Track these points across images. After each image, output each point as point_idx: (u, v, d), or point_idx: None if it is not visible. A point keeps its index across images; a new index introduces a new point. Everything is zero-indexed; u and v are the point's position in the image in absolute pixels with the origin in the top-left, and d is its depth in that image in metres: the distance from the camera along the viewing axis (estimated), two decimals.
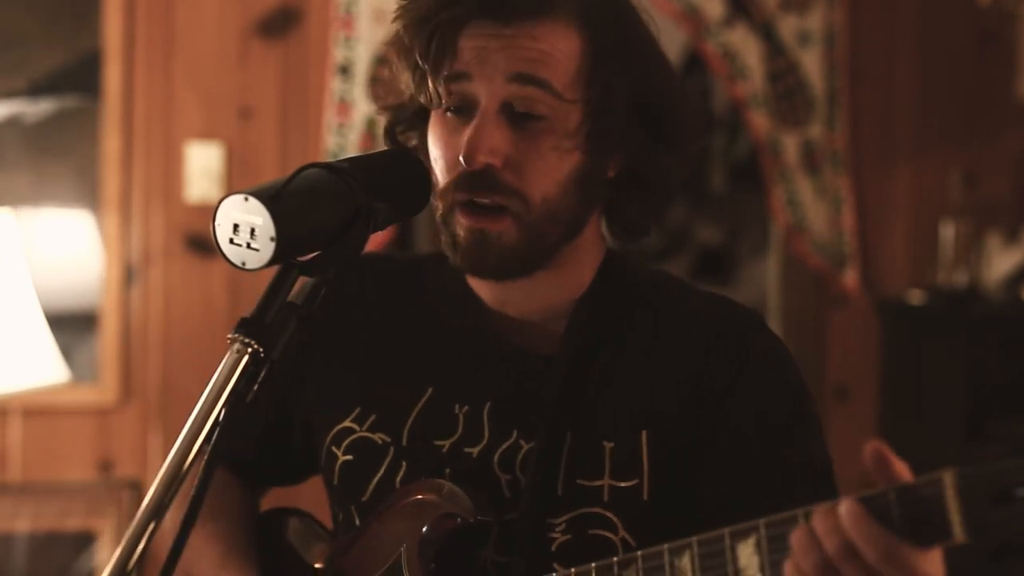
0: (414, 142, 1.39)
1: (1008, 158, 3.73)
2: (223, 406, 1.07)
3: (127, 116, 3.26)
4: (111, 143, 3.25)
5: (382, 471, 1.38)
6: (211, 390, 1.08)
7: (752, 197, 4.68)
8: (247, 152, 3.31)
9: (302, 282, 1.15)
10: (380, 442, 1.39)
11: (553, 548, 1.30)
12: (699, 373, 1.32)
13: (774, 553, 1.03)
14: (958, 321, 3.49)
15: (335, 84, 3.29)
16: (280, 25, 3.32)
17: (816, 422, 1.35)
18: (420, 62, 1.29)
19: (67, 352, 3.06)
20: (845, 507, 0.98)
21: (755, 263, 5.20)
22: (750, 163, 4.40)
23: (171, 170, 3.28)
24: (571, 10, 1.28)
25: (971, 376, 3.37)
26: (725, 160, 5.84)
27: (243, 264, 1.11)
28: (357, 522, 1.40)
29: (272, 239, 1.08)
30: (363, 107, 3.27)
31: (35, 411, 3.21)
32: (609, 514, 1.30)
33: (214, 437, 1.07)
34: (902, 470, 1.00)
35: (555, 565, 1.29)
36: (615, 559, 1.17)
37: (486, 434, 1.35)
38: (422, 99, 1.33)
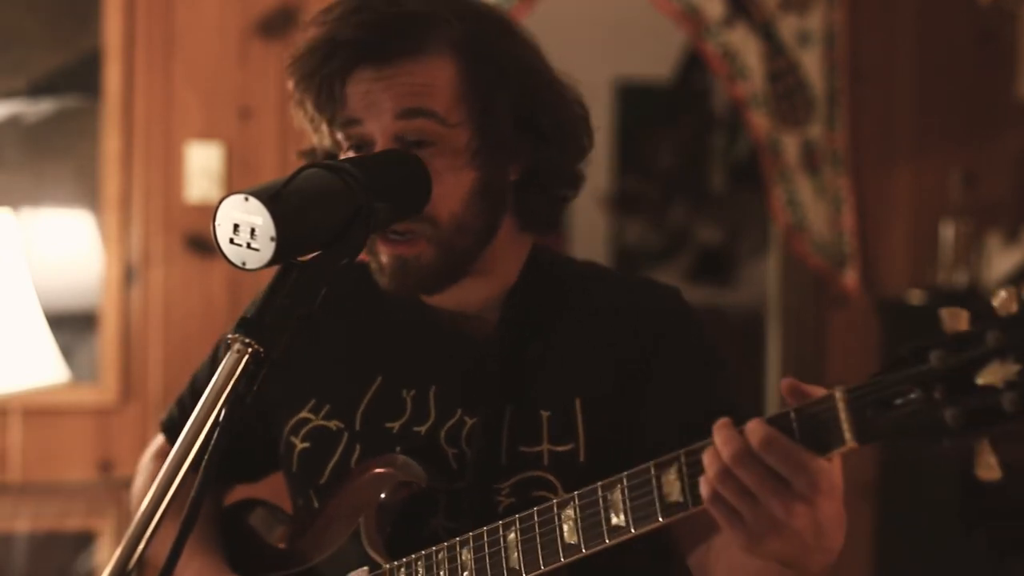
0: None
1: (1008, 158, 3.73)
2: (223, 406, 1.07)
3: (127, 116, 3.26)
4: (111, 143, 3.25)
5: (338, 454, 1.48)
6: (211, 390, 1.08)
7: (752, 197, 4.68)
8: (247, 152, 3.31)
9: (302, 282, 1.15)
10: (335, 428, 1.49)
11: (499, 511, 1.39)
12: (625, 343, 1.44)
13: (692, 476, 1.12)
14: None
15: None
16: (280, 25, 3.32)
17: (731, 374, 1.47)
18: (315, 114, 1.41)
19: (67, 352, 3.06)
20: (753, 425, 1.08)
21: (755, 263, 5.20)
22: (750, 163, 4.41)
23: (171, 170, 3.28)
24: (443, 42, 1.39)
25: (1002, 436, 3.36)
26: (725, 160, 5.84)
27: (243, 264, 1.11)
28: (316, 504, 1.50)
29: (272, 239, 1.08)
30: None
31: (35, 411, 3.21)
32: (549, 476, 1.40)
33: (214, 437, 1.07)
34: (816, 392, 1.09)
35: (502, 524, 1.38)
36: (555, 500, 1.26)
37: (433, 414, 1.45)
38: (326, 145, 1.44)
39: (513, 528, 1.29)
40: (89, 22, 3.25)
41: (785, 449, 1.06)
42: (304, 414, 1.52)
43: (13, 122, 3.24)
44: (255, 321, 1.09)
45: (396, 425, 1.47)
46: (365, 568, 1.41)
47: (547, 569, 1.26)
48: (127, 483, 3.26)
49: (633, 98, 5.69)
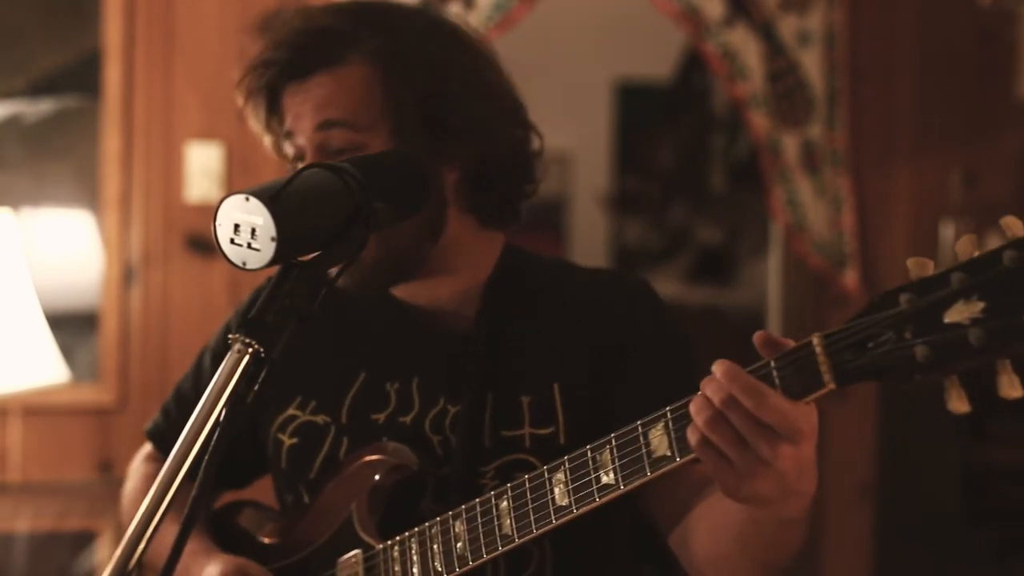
0: None
1: (1008, 158, 3.73)
2: (223, 406, 1.07)
3: (127, 116, 3.26)
4: (111, 143, 3.25)
5: (326, 448, 1.54)
6: (211, 390, 1.08)
7: (752, 197, 4.68)
8: (247, 152, 3.31)
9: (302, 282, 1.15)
10: (322, 423, 1.55)
11: (485, 492, 1.41)
12: (598, 332, 1.51)
13: (679, 431, 1.19)
14: None
15: None
16: (280, 25, 3.32)
17: (696, 360, 1.52)
18: (263, 129, 1.54)
19: (67, 352, 3.06)
20: (721, 366, 1.14)
21: (755, 263, 5.20)
22: (750, 163, 4.41)
23: (171, 170, 3.28)
24: (356, 51, 1.46)
25: (971, 376, 3.37)
26: (725, 160, 5.84)
27: (244, 264, 1.11)
28: (306, 499, 1.54)
29: (273, 239, 1.09)
30: None
31: (35, 411, 3.20)
32: (531, 458, 1.46)
33: (214, 437, 1.07)
34: (787, 342, 1.16)
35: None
36: (545, 467, 1.31)
37: (416, 404, 1.52)
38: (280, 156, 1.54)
39: (505, 496, 1.34)
40: (89, 22, 3.25)
41: (761, 395, 1.11)
42: (291, 411, 1.57)
43: (13, 122, 3.24)
44: (255, 321, 1.09)
45: (382, 416, 1.53)
46: (358, 551, 1.45)
47: (539, 532, 1.31)
48: None
49: (633, 98, 5.69)
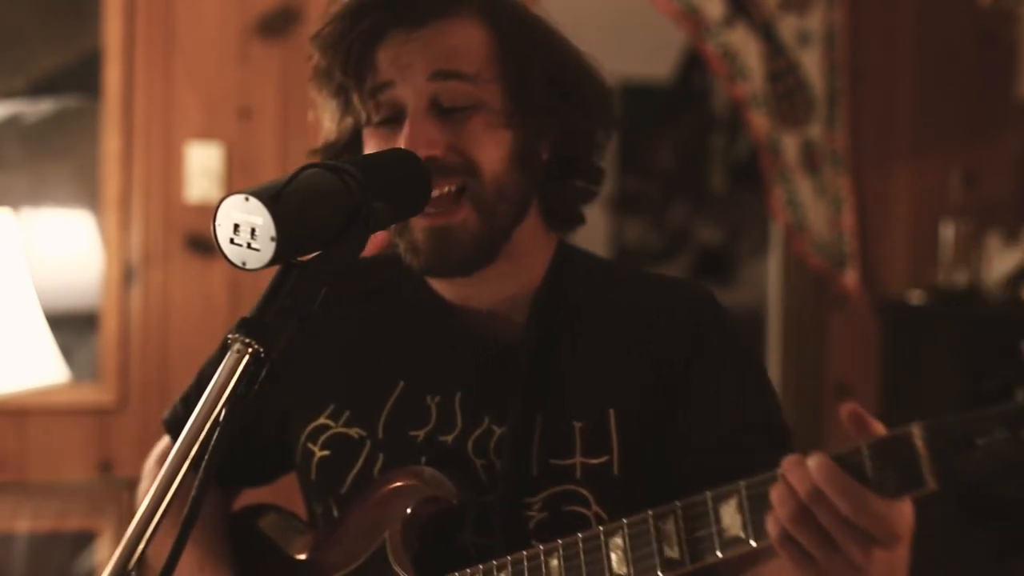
0: None
1: (1008, 158, 3.73)
2: (223, 406, 1.07)
3: (127, 116, 3.26)
4: (111, 143, 3.25)
5: (360, 464, 1.43)
6: (211, 390, 1.08)
7: (752, 197, 4.68)
8: (247, 152, 3.31)
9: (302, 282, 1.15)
10: (356, 436, 1.44)
11: (530, 526, 1.35)
12: (659, 349, 1.39)
13: (754, 512, 1.07)
14: (958, 321, 3.49)
15: None
16: (280, 25, 3.32)
17: (768, 383, 1.43)
18: (343, 79, 1.38)
19: (67, 352, 3.06)
20: (815, 460, 1.02)
21: (755, 263, 5.20)
22: (750, 163, 4.41)
23: (171, 170, 3.28)
24: (471, 6, 1.38)
25: (971, 376, 3.37)
26: (725, 160, 5.84)
27: (243, 264, 1.11)
28: (336, 514, 1.44)
29: (272, 239, 1.08)
30: None
31: (35, 411, 3.20)
32: (582, 490, 1.35)
33: (214, 437, 1.07)
34: (879, 429, 1.04)
35: (534, 543, 1.31)
36: (601, 528, 1.20)
37: (459, 422, 1.41)
38: (351, 120, 1.41)
39: (556, 555, 1.23)
40: (89, 22, 3.25)
41: (856, 496, 1.01)
42: (322, 420, 1.47)
43: (13, 122, 3.24)
44: (255, 321, 1.09)
45: (421, 433, 1.41)
46: None
47: None
48: (127, 483, 3.27)
49: (633, 98, 5.69)
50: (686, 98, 5.88)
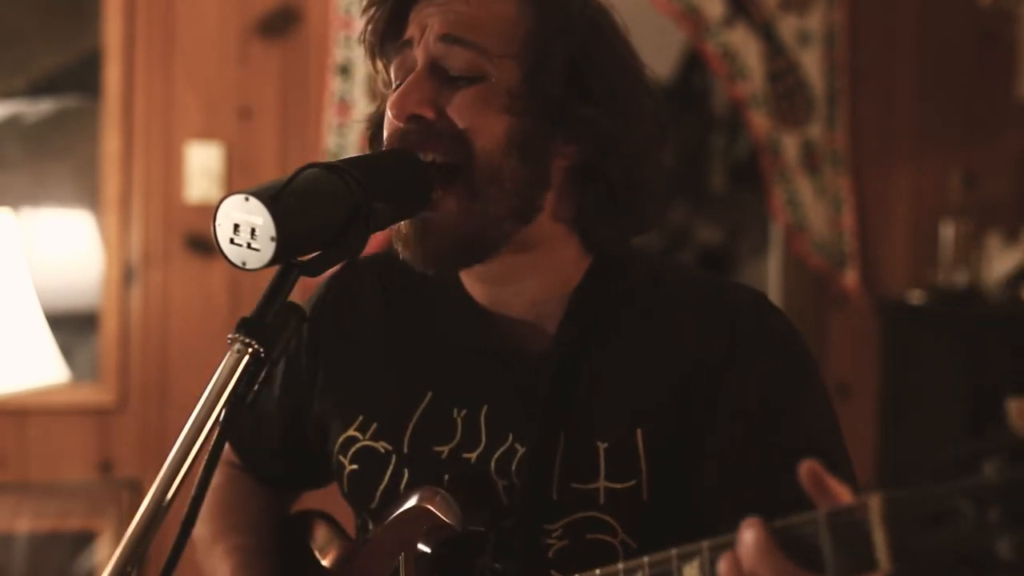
0: None
1: (1008, 158, 3.73)
2: (223, 406, 1.07)
3: (127, 116, 3.26)
4: (111, 143, 3.25)
5: (386, 479, 1.38)
6: (211, 390, 1.07)
7: (752, 197, 4.68)
8: (247, 152, 3.31)
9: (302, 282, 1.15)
10: (383, 451, 1.39)
11: (550, 554, 1.29)
12: (691, 364, 1.29)
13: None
14: (958, 321, 3.49)
15: (335, 84, 3.29)
16: (280, 25, 3.32)
17: (819, 397, 1.31)
18: (372, 39, 1.33)
19: (67, 352, 3.06)
20: (750, 536, 0.94)
21: (755, 263, 5.20)
22: (750, 163, 4.40)
23: (171, 170, 3.28)
24: None
25: (971, 376, 3.37)
26: (725, 160, 5.84)
27: (243, 264, 1.10)
28: (371, 527, 1.42)
29: (272, 239, 1.08)
30: (363, 107, 3.27)
31: (35, 411, 3.21)
32: (607, 517, 1.28)
33: (214, 437, 1.07)
34: (841, 493, 0.94)
35: (553, 573, 1.28)
36: None
37: (483, 439, 1.34)
38: (382, 84, 1.35)
39: None
40: (89, 22, 3.25)
41: None
42: (352, 432, 1.42)
43: (13, 122, 3.24)
44: (255, 321, 1.09)
45: (445, 450, 1.35)
46: None
47: None
48: (127, 483, 3.27)
49: None
50: (686, 98, 5.88)
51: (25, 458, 3.22)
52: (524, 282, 1.34)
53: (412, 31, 1.30)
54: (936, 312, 3.54)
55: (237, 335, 1.08)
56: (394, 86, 1.32)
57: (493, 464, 1.32)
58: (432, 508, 1.31)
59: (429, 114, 1.27)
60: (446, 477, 1.33)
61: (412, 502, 1.34)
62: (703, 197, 5.95)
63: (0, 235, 2.90)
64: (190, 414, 1.07)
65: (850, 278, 3.60)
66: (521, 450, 1.31)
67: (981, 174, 3.70)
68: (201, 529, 1.52)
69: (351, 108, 3.29)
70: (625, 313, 1.34)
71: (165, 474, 1.06)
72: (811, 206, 3.56)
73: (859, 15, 3.60)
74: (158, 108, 3.28)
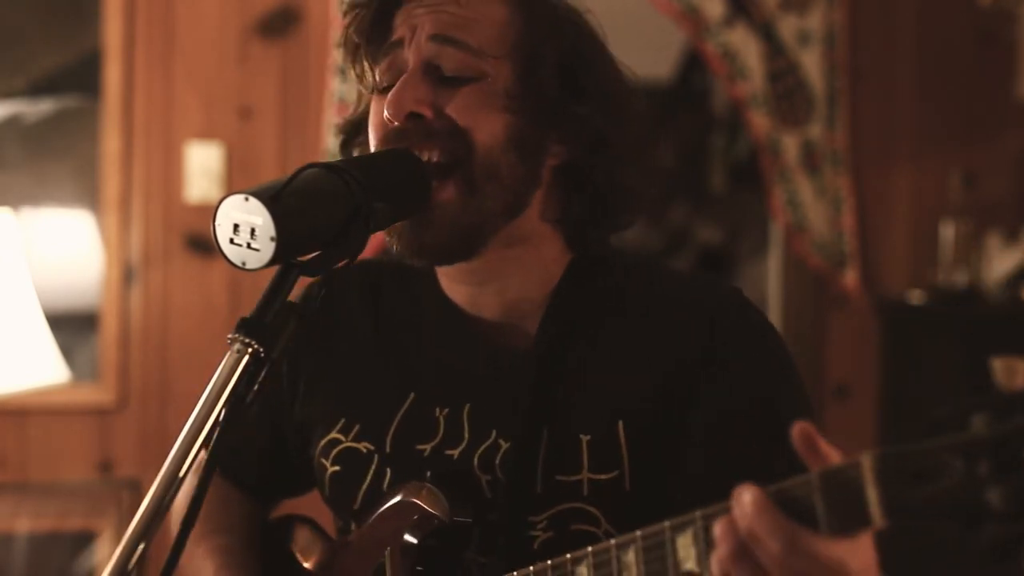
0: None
1: (1008, 158, 3.73)
2: (223, 406, 1.07)
3: (127, 116, 3.26)
4: (111, 143, 3.25)
5: (368, 479, 1.40)
6: (211, 390, 1.07)
7: (752, 197, 4.68)
8: (247, 152, 3.31)
9: (302, 282, 1.15)
10: (365, 451, 1.41)
11: (535, 546, 1.31)
12: (672, 358, 1.32)
13: (710, 544, 1.00)
14: (958, 321, 3.49)
15: (335, 84, 3.29)
16: (280, 25, 3.32)
17: (797, 388, 1.34)
18: (358, 40, 1.35)
19: (67, 352, 3.06)
20: (749, 494, 0.95)
21: (755, 263, 5.20)
22: (750, 163, 4.41)
23: (171, 170, 3.28)
24: None
25: (971, 376, 3.37)
26: (725, 160, 5.84)
27: (243, 264, 1.10)
28: (353, 528, 1.42)
29: (272, 239, 1.08)
30: None
31: (35, 411, 3.21)
32: (590, 508, 1.31)
33: (214, 437, 1.07)
34: (832, 455, 0.97)
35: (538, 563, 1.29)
36: (568, 556, 1.16)
37: (466, 435, 1.36)
38: (364, 87, 1.37)
39: None
40: (89, 22, 3.25)
41: (789, 536, 0.93)
42: (334, 434, 1.43)
43: (13, 122, 3.24)
44: (255, 321, 1.09)
45: (427, 447, 1.38)
46: None
47: None
48: (127, 483, 3.27)
49: None
50: (686, 98, 5.88)
51: (25, 458, 3.22)
52: (505, 280, 1.37)
53: (402, 32, 1.32)
54: (936, 312, 3.54)
55: (237, 335, 1.08)
56: (383, 87, 1.33)
57: (476, 460, 1.35)
58: (418, 501, 1.32)
59: (427, 113, 1.29)
60: (428, 473, 1.35)
61: (397, 498, 1.35)
62: (703, 197, 5.95)
63: (0, 235, 2.90)
64: (190, 414, 1.07)
65: (850, 278, 3.61)
66: (505, 445, 1.34)
67: (981, 174, 3.70)
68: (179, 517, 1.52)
69: (351, 108, 3.28)
70: (605, 309, 1.37)
71: (165, 474, 1.06)
72: (811, 206, 3.56)
73: (859, 15, 3.60)
74: (158, 108, 3.28)
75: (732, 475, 1.22)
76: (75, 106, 3.27)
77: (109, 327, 3.25)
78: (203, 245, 3.27)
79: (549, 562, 1.19)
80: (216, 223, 1.11)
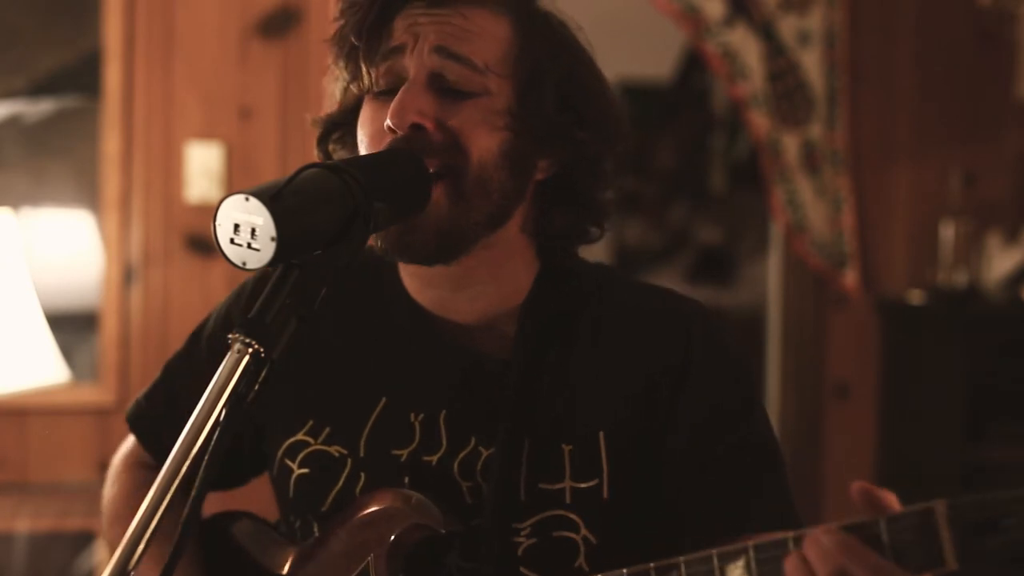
0: (343, 152, 1.41)
1: (1008, 158, 3.73)
2: (223, 406, 1.07)
3: (127, 116, 3.26)
4: (111, 143, 3.25)
5: (340, 483, 1.39)
6: (212, 390, 1.07)
7: (752, 197, 4.68)
8: (247, 152, 3.31)
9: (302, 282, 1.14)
10: (337, 454, 1.40)
11: (519, 552, 1.32)
12: (650, 369, 1.36)
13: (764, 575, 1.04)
14: (958, 321, 3.49)
15: None
16: (280, 25, 3.32)
17: (760, 403, 1.40)
18: (355, 42, 1.35)
19: (67, 352, 3.06)
20: (836, 537, 1.00)
21: (755, 263, 5.20)
22: (750, 163, 4.41)
23: (171, 170, 3.28)
24: (502, 1, 1.35)
25: (971, 376, 3.37)
26: (725, 160, 5.84)
27: (244, 264, 1.10)
28: (316, 530, 1.41)
29: (273, 239, 1.08)
30: None
31: (35, 411, 3.21)
32: (572, 515, 1.33)
33: (214, 437, 1.07)
34: (890, 500, 1.03)
35: (521, 569, 1.32)
36: None
37: (444, 442, 1.37)
38: (356, 89, 1.36)
39: None
40: (89, 22, 3.25)
41: (879, 570, 0.99)
42: (301, 436, 1.42)
43: (13, 122, 3.24)
44: (255, 321, 1.09)
45: (404, 453, 1.37)
46: None
47: None
48: None
49: (633, 98, 5.69)
50: (686, 98, 5.88)
51: (25, 458, 3.22)
52: (480, 286, 1.38)
53: (403, 38, 1.33)
54: (936, 312, 3.54)
55: (237, 335, 1.08)
56: (380, 90, 1.34)
57: (456, 466, 1.35)
58: (408, 509, 1.32)
59: (429, 125, 1.30)
60: (406, 479, 1.35)
61: (381, 503, 1.34)
62: (703, 197, 5.95)
63: (0, 235, 2.90)
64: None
65: (850, 278, 3.61)
66: (485, 452, 1.35)
67: (981, 174, 3.70)
68: (117, 534, 1.49)
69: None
70: (579, 319, 1.40)
71: (165, 474, 1.06)
72: (811, 206, 3.56)
73: (859, 15, 3.60)
74: (158, 108, 3.28)
75: (711, 483, 1.29)
76: (75, 106, 3.27)
77: (109, 327, 3.25)
78: (203, 245, 3.27)
79: None
80: (216, 223, 1.11)
